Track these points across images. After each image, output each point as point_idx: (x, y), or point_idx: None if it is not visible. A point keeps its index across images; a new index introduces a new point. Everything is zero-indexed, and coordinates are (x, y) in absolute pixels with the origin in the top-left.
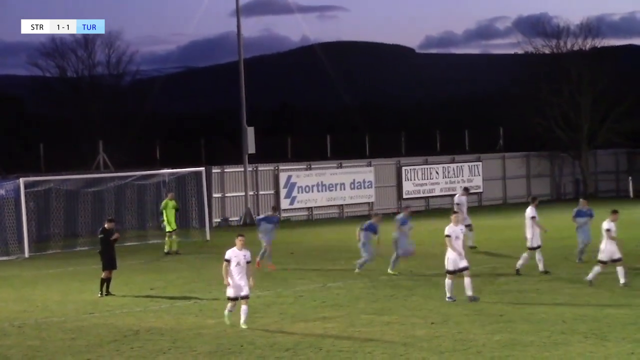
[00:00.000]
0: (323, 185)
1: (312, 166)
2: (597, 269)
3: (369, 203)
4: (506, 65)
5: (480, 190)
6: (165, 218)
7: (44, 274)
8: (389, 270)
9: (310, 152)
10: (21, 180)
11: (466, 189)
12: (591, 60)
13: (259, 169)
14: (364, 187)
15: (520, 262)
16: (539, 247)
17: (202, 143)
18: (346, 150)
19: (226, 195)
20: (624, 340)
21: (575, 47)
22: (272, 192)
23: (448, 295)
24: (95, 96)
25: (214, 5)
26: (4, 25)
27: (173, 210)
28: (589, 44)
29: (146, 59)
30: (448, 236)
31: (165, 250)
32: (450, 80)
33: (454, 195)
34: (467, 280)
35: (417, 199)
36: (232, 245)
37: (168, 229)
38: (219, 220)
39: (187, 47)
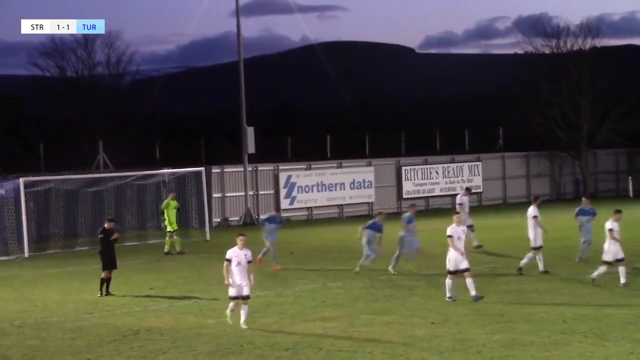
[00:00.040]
0: (323, 185)
1: (312, 166)
2: (602, 269)
3: (368, 203)
4: (506, 65)
5: (480, 190)
6: (166, 218)
7: (43, 273)
8: (389, 268)
9: (310, 152)
10: (21, 180)
11: (468, 189)
12: (591, 60)
13: (259, 168)
14: (364, 187)
15: (524, 261)
16: (540, 247)
17: (202, 143)
18: (346, 150)
19: (226, 195)
20: (623, 340)
21: (575, 47)
22: (272, 192)
23: (448, 295)
24: (95, 96)
25: (213, 5)
26: (4, 25)
27: (175, 210)
28: (588, 43)
29: (146, 59)
30: (450, 236)
31: (166, 250)
32: (450, 80)
33: (454, 195)
34: (468, 281)
35: (417, 198)
36: (232, 245)
37: (169, 229)
38: (218, 220)
39: (187, 47)
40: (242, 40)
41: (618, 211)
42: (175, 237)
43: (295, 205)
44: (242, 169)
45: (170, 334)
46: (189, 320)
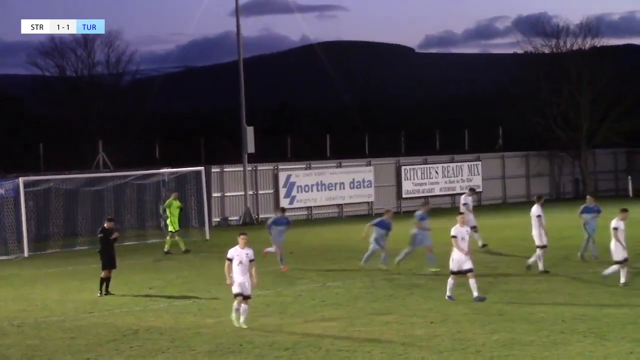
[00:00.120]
0: (322, 185)
1: (312, 166)
2: (615, 267)
3: (368, 202)
4: (506, 65)
5: (480, 189)
6: (169, 217)
7: (43, 273)
8: (395, 260)
9: (309, 151)
10: (21, 180)
11: (472, 189)
12: (590, 60)
13: (259, 168)
14: (364, 187)
15: (532, 259)
16: (545, 246)
17: (202, 142)
18: (346, 149)
19: (225, 194)
20: (623, 340)
21: (575, 47)
22: (271, 191)
23: (448, 294)
24: (94, 96)
25: (213, 5)
26: (4, 25)
27: (178, 210)
28: (588, 43)
29: (146, 58)
30: (454, 237)
31: (165, 250)
32: (450, 79)
33: (454, 194)
34: (471, 282)
35: (417, 198)
36: (232, 244)
37: (171, 228)
38: (218, 219)
39: (186, 47)
40: (241, 39)
41: (624, 210)
42: (177, 237)
43: (295, 204)
44: (242, 169)
45: (170, 333)
46: (188, 320)
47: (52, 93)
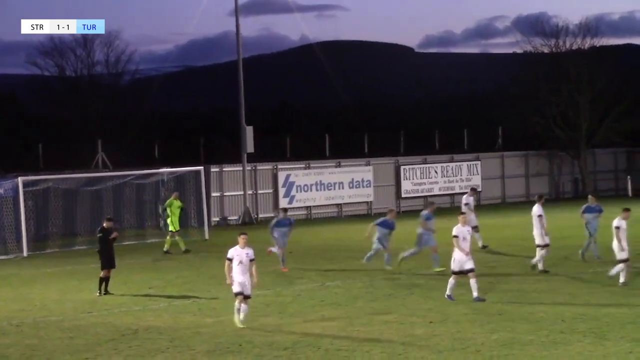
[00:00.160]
0: (322, 185)
1: (311, 165)
2: (620, 266)
3: (367, 202)
4: (505, 65)
5: (479, 189)
6: (170, 217)
7: (42, 272)
8: (400, 256)
9: (309, 151)
10: (20, 179)
11: (473, 189)
12: (590, 60)
13: (258, 168)
14: (363, 187)
15: (536, 259)
16: (547, 245)
17: (201, 142)
18: (345, 149)
19: (225, 194)
20: (622, 340)
21: (575, 47)
22: (270, 191)
23: (448, 293)
24: (94, 95)
25: (213, 5)
26: (4, 25)
27: (178, 210)
28: (588, 43)
29: (145, 58)
30: (456, 237)
31: (165, 249)
32: (449, 79)
33: (453, 194)
34: (472, 282)
35: (416, 198)
36: (231, 243)
37: (171, 228)
38: (217, 219)
39: (186, 47)
40: (241, 39)
41: (626, 209)
42: (177, 237)
43: (294, 204)
44: (241, 168)
45: (169, 333)
46: (188, 320)
47: (52, 93)
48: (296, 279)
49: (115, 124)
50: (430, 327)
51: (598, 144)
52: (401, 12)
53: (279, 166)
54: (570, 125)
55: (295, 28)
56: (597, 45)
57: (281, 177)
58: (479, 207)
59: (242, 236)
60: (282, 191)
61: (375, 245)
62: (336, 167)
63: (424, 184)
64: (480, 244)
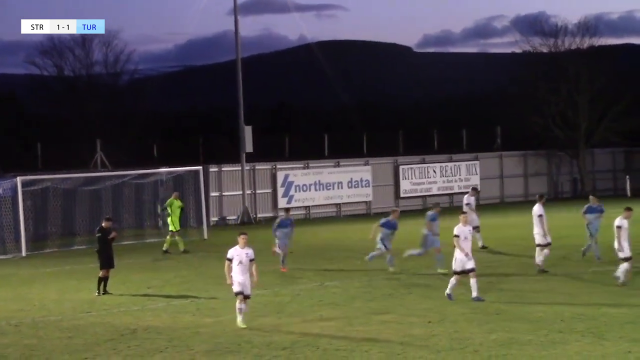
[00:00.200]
0: (320, 184)
1: (310, 165)
2: (625, 266)
3: (366, 202)
4: (504, 64)
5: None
6: (170, 217)
7: (41, 272)
8: (406, 253)
9: (307, 151)
10: (19, 179)
11: (474, 189)
12: (589, 59)
13: (257, 167)
14: (362, 186)
15: (540, 259)
16: (544, 245)
17: (200, 142)
18: (344, 149)
19: (224, 194)
20: (621, 339)
21: (573, 46)
22: (269, 191)
23: (448, 291)
24: (92, 95)
25: (211, 4)
26: (4, 25)
27: (179, 210)
28: (586, 42)
29: (144, 57)
30: (457, 236)
31: (164, 249)
32: (448, 79)
33: (452, 194)
34: (472, 281)
35: (415, 197)
36: (230, 243)
37: (171, 228)
38: (216, 219)
39: (184, 46)
40: (239, 39)
41: (628, 209)
42: (177, 237)
43: (293, 204)
44: (240, 168)
45: (168, 332)
46: (187, 319)
47: (50, 92)
48: (295, 279)
49: (114, 124)
50: (429, 327)
51: (597, 143)
52: (399, 12)
53: (278, 166)
54: (569, 125)
55: (294, 28)
56: (596, 45)
57: (280, 176)
58: (478, 207)
59: (242, 236)
60: (280, 191)
61: (379, 245)
62: (335, 166)
63: (423, 183)
64: (480, 244)
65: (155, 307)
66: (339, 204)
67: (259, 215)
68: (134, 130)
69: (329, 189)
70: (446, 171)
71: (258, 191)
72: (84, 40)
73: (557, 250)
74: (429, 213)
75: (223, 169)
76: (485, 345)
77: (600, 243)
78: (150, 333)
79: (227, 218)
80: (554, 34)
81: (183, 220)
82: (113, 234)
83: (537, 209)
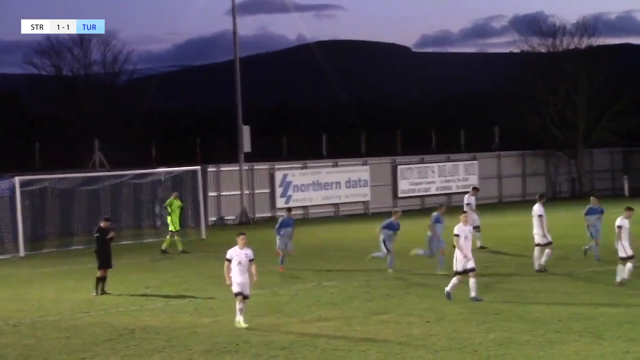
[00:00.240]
0: (318, 184)
1: (308, 165)
2: (629, 266)
3: (364, 202)
4: (502, 64)
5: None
6: (170, 217)
7: (39, 272)
8: (413, 252)
9: (306, 150)
10: (17, 179)
11: (475, 188)
12: (587, 59)
13: (255, 167)
14: (360, 186)
15: (544, 259)
16: (544, 244)
17: (198, 141)
18: (342, 149)
19: (222, 194)
20: (619, 339)
21: (572, 46)
22: (267, 190)
23: (448, 289)
24: (91, 95)
25: (210, 4)
26: (4, 25)
27: (178, 210)
28: (585, 42)
29: (142, 57)
30: (457, 235)
31: (163, 248)
32: (446, 79)
33: (450, 194)
34: (472, 281)
35: (413, 197)
36: (228, 243)
37: (171, 228)
38: (214, 219)
39: (183, 46)
40: (238, 38)
41: (629, 209)
42: (176, 237)
43: (291, 204)
44: (238, 168)
45: (166, 332)
46: (185, 319)
47: (49, 92)
48: (293, 279)
49: (112, 124)
50: (427, 327)
51: (595, 143)
52: (398, 12)
53: (276, 166)
54: (567, 124)
55: (293, 27)
56: (594, 45)
57: (278, 176)
58: (476, 207)
59: (241, 237)
60: (279, 191)
61: (381, 246)
62: (333, 166)
63: (421, 183)
64: (478, 244)
65: (153, 307)
66: (337, 203)
67: (257, 216)
68: (132, 130)
69: (327, 189)
70: (444, 171)
71: (256, 191)
72: (82, 40)
73: (556, 250)
74: (434, 214)
75: (221, 169)
76: (483, 345)
77: (602, 244)
78: (148, 333)
79: (225, 218)
80: (552, 34)
81: (182, 220)
82: (111, 234)
83: (537, 208)
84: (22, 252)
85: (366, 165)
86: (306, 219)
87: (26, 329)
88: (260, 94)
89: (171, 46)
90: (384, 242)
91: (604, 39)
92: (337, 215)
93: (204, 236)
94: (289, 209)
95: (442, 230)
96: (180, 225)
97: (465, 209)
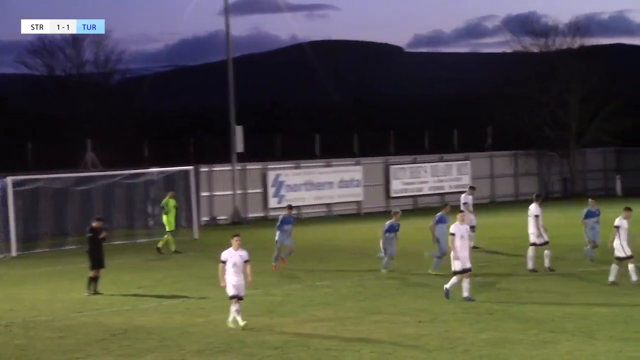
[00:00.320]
0: (311, 184)
1: (301, 165)
2: (631, 266)
3: (357, 202)
4: (495, 64)
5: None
6: (166, 216)
7: (32, 272)
8: (429, 254)
9: (298, 150)
10: (9, 179)
11: (472, 187)
12: (580, 59)
13: (248, 167)
14: (352, 186)
15: (547, 261)
16: (540, 244)
17: (191, 141)
18: (336, 148)
19: (214, 194)
20: (612, 339)
21: (564, 46)
22: (260, 191)
23: (447, 286)
24: (83, 95)
25: (203, 4)
26: (4, 25)
27: (174, 210)
28: (577, 42)
29: (136, 57)
30: (452, 234)
31: (159, 246)
32: (439, 79)
33: (443, 194)
34: (466, 281)
35: (405, 197)
36: (220, 243)
37: (168, 228)
38: (207, 219)
39: (176, 46)
40: (231, 38)
41: (628, 209)
42: (170, 237)
43: (284, 204)
44: (231, 168)
45: (159, 332)
46: (178, 319)
47: (41, 92)
48: (286, 279)
49: (105, 124)
50: (420, 327)
51: (587, 143)
52: (391, 12)
53: (269, 166)
54: (560, 124)
55: (286, 27)
56: (587, 45)
57: (270, 176)
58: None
59: (235, 238)
60: (271, 191)
61: (381, 251)
62: (326, 166)
63: (414, 183)
64: (471, 243)
65: (146, 307)
66: (330, 204)
67: (249, 215)
68: (125, 130)
69: (320, 189)
70: (437, 171)
71: (248, 191)
72: (74, 40)
73: None
74: (437, 215)
75: (214, 169)
76: (476, 344)
77: (603, 244)
78: (141, 333)
79: (218, 218)
80: (545, 34)
81: (176, 220)
82: (103, 234)
83: (533, 208)
84: (14, 252)
85: (359, 165)
86: (299, 219)
87: (19, 329)
88: (253, 94)
89: (164, 46)
90: (384, 247)
91: (596, 39)
92: (330, 216)
93: (196, 236)
94: (290, 207)
95: (443, 231)
96: (175, 225)
97: (462, 209)
